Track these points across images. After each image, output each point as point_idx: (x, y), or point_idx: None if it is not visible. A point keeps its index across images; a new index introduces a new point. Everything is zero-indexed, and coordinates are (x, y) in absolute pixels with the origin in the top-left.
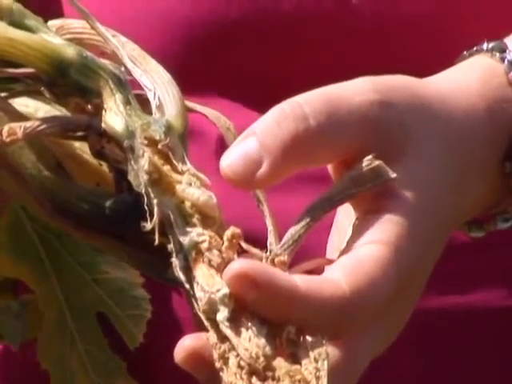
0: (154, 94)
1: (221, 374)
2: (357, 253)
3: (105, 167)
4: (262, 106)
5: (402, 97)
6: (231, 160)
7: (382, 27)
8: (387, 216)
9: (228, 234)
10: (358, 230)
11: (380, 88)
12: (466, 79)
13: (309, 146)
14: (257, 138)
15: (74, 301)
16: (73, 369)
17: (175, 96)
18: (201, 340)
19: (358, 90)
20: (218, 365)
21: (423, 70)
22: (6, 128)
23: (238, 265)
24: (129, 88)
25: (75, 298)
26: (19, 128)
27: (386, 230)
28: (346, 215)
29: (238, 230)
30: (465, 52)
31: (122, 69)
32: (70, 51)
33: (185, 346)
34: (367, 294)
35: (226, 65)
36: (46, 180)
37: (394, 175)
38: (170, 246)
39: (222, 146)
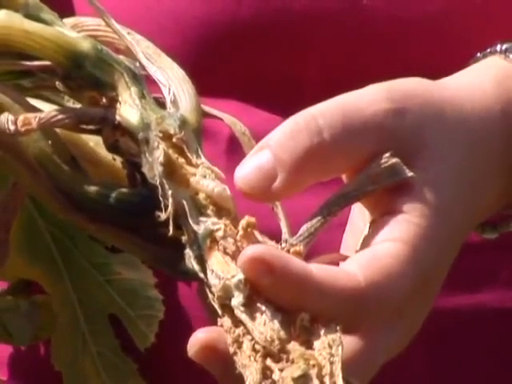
0: (169, 89)
1: (234, 357)
2: (374, 248)
3: (118, 165)
4: (273, 106)
5: (416, 103)
6: (245, 173)
7: (393, 27)
8: (405, 216)
9: (243, 223)
10: (376, 230)
11: (394, 96)
12: (480, 81)
13: (323, 159)
14: (271, 150)
15: (86, 302)
16: (85, 370)
17: (190, 92)
18: (214, 333)
19: (371, 100)
20: (231, 349)
21: (433, 70)
22: (21, 118)
23: (254, 249)
24: (144, 83)
25: (88, 299)
26: (34, 118)
27: (404, 229)
28: (360, 216)
29: (252, 220)
30: (478, 53)
31: (137, 64)
32: (86, 44)
33: (198, 339)
34: (382, 287)
35: (237, 65)
36: (61, 173)
37: (410, 174)
38: (184, 238)
39: (232, 145)
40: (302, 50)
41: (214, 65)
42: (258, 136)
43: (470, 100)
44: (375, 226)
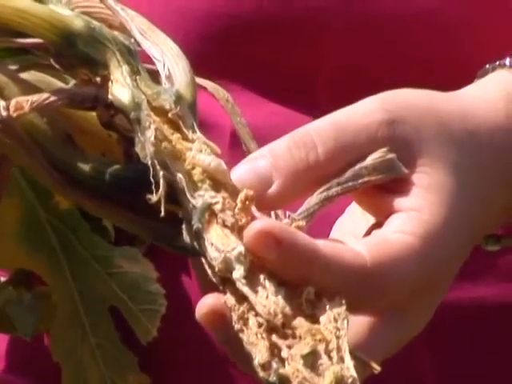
0: (164, 65)
1: (240, 335)
2: (384, 236)
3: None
4: (275, 98)
5: (414, 114)
6: (239, 174)
7: (398, 20)
8: (417, 214)
9: (241, 196)
10: (387, 223)
11: (389, 107)
12: (489, 96)
13: (318, 171)
14: (267, 160)
15: (87, 294)
16: (84, 362)
17: (184, 67)
18: (223, 299)
19: (366, 112)
20: (237, 326)
21: (441, 65)
22: (12, 102)
23: (261, 223)
24: (138, 58)
25: (89, 291)
26: (26, 102)
27: (416, 224)
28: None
29: (251, 193)
30: (487, 65)
31: (132, 40)
32: (78, 22)
33: (207, 303)
34: (388, 269)
35: (240, 57)
36: (57, 152)
37: (406, 171)
38: (182, 213)
39: (235, 140)
40: (305, 42)
41: (217, 57)
42: (259, 128)
43: (479, 115)
44: (387, 220)
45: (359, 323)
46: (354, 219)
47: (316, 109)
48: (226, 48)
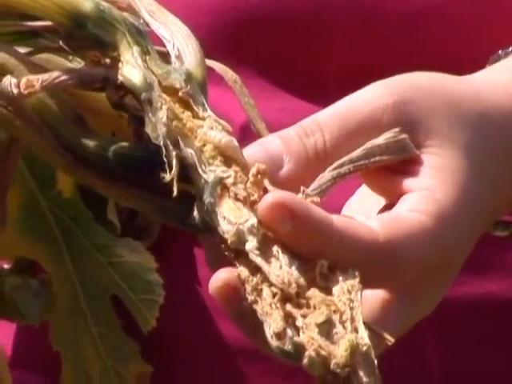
0: (173, 45)
1: (254, 306)
2: (397, 213)
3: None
4: (284, 91)
5: (420, 95)
6: (252, 154)
7: (403, 15)
8: (429, 194)
9: (253, 170)
10: (400, 202)
11: (395, 90)
12: (502, 80)
13: (327, 159)
14: (279, 144)
15: (88, 283)
16: (85, 351)
17: (194, 47)
18: (236, 273)
19: (370, 98)
20: (251, 298)
21: (443, 60)
22: (23, 80)
23: (276, 195)
24: (148, 39)
25: (89, 280)
26: (37, 80)
27: (428, 204)
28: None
29: (263, 166)
30: (500, 51)
31: (141, 21)
32: (88, 4)
33: (220, 277)
34: (400, 246)
35: (249, 51)
36: (67, 131)
37: (417, 152)
38: (194, 189)
39: (244, 134)
40: (312, 39)
41: (226, 50)
42: (267, 124)
43: (490, 97)
44: (400, 200)
45: (372, 302)
46: (363, 199)
47: (326, 103)
48: (233, 42)
